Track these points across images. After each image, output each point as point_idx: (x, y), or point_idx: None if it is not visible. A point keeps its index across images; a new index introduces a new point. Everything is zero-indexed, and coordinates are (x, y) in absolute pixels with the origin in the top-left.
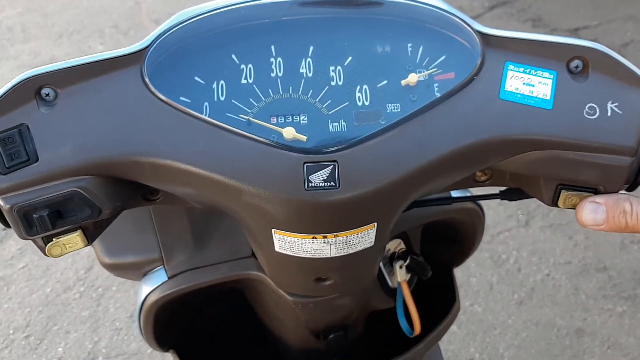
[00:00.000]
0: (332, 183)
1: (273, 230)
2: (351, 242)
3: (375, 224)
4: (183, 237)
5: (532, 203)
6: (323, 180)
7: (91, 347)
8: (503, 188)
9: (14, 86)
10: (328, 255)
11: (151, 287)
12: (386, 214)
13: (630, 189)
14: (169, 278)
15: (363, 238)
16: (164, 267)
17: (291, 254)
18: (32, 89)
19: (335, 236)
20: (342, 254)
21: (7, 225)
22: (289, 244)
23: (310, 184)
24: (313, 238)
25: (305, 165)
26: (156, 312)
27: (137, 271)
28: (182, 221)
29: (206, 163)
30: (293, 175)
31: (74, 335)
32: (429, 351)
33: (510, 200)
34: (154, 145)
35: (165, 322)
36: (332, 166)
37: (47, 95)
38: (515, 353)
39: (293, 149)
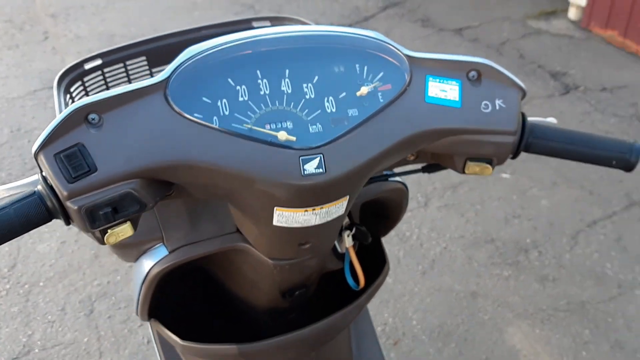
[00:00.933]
0: (321, 169)
1: (275, 208)
2: (330, 212)
3: (348, 196)
4: (179, 219)
5: (429, 187)
6: (314, 168)
7: (25, 340)
8: (425, 164)
9: (68, 114)
10: (312, 224)
11: (153, 261)
12: (354, 188)
13: (514, 157)
14: (169, 252)
15: (338, 208)
16: (163, 244)
17: (286, 225)
18: (81, 116)
19: (320, 208)
20: (322, 222)
21: (67, 223)
22: (286, 217)
23: (305, 172)
24: (305, 211)
25: (300, 158)
26: (157, 282)
27: (137, 249)
28: (178, 206)
29: (227, 162)
30: (292, 166)
31: (6, 331)
32: (360, 317)
33: (430, 172)
34: (183, 151)
35: (153, 293)
36: (319, 157)
37: (94, 119)
38: (422, 316)
39: (290, 147)
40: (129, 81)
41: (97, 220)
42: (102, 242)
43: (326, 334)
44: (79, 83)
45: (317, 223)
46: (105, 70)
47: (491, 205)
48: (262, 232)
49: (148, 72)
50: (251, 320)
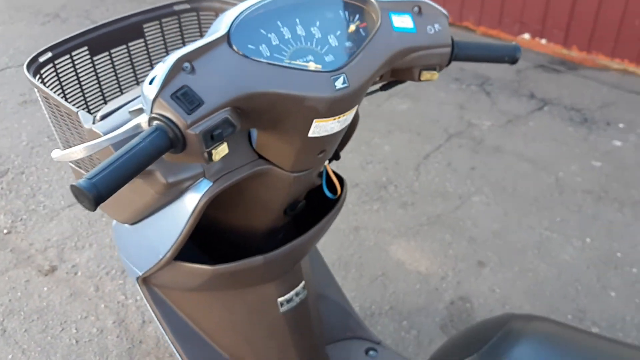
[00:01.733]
0: (346, 84)
1: (315, 120)
2: (346, 119)
3: (357, 106)
4: None
5: None
6: (341, 84)
7: None
8: (384, 83)
9: (172, 65)
10: (335, 130)
11: (200, 193)
12: (360, 98)
13: (447, 65)
14: (213, 183)
15: (349, 116)
16: (205, 178)
17: (317, 135)
18: (179, 65)
19: (343, 116)
20: (340, 128)
21: (183, 149)
22: (319, 127)
23: (336, 87)
24: (333, 120)
25: (332, 77)
26: (204, 211)
27: (180, 187)
28: None
29: (284, 88)
30: (328, 85)
31: None
32: (312, 255)
33: (389, 88)
34: (255, 84)
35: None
36: (343, 76)
37: (186, 67)
38: (323, 254)
39: (323, 72)
40: (76, 71)
41: (209, 141)
42: (209, 161)
43: (310, 243)
44: (46, 67)
45: (337, 130)
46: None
47: (347, 157)
48: (293, 147)
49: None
50: (247, 246)
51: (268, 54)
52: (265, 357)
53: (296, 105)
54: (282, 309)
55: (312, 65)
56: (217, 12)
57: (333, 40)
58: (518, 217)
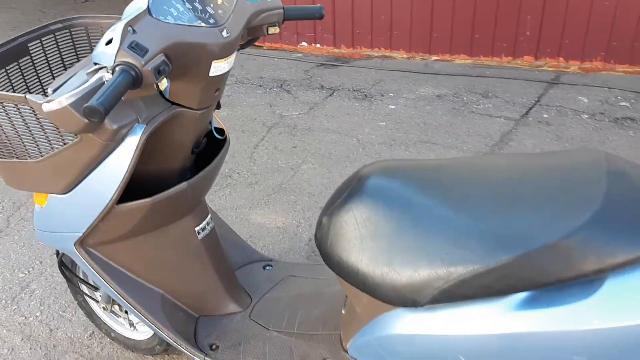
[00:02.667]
0: (229, 34)
1: (213, 61)
2: (231, 62)
3: (235, 52)
4: (140, 105)
5: None
6: (226, 34)
7: None
8: (243, 43)
9: (123, 29)
10: (225, 70)
11: (138, 135)
12: (236, 46)
13: (282, 23)
14: (146, 125)
15: (232, 59)
16: (139, 123)
17: (215, 74)
18: (126, 29)
19: (229, 58)
20: (228, 68)
21: (140, 85)
22: (216, 67)
23: (223, 36)
24: (224, 61)
25: (219, 30)
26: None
27: (119, 134)
28: (137, 98)
29: (195, 39)
30: (219, 35)
31: None
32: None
33: (249, 45)
34: (174, 36)
35: None
36: (226, 28)
37: (130, 29)
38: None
39: (213, 27)
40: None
41: (157, 75)
42: (157, 90)
43: (213, 174)
44: None
45: (227, 69)
46: None
47: None
48: (199, 87)
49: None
50: (163, 188)
51: (175, 19)
52: (192, 282)
53: (201, 50)
54: (200, 236)
55: (204, 25)
56: (87, 27)
57: (210, 9)
58: (339, 171)
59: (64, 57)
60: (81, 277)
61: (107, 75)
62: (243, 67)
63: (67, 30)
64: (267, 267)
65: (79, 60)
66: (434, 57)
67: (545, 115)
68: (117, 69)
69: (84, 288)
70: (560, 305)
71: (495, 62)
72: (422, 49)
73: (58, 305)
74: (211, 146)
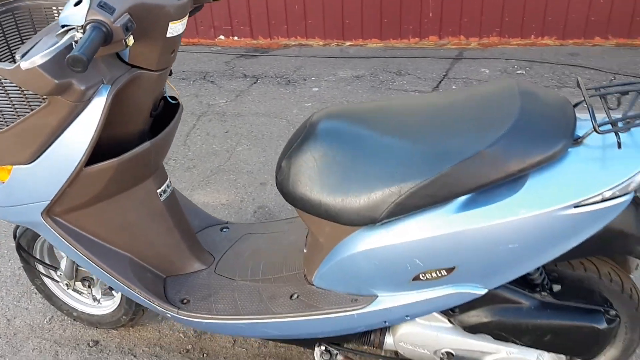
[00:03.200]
0: None
1: (170, 22)
2: (184, 23)
3: (187, 14)
4: (104, 68)
5: None
6: None
7: None
8: None
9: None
10: (180, 31)
11: (104, 95)
12: (189, 9)
13: None
14: (112, 84)
15: (185, 20)
16: (104, 84)
17: (171, 35)
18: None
19: (183, 19)
20: (182, 29)
21: (111, 40)
22: (172, 28)
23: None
24: (179, 22)
25: None
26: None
27: (87, 95)
28: (101, 61)
29: (149, 0)
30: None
31: None
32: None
33: (195, 13)
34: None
35: None
36: None
37: None
38: None
39: None
40: None
41: (125, 32)
42: (125, 47)
43: (170, 136)
44: None
45: (181, 31)
46: None
47: None
48: (157, 48)
49: None
50: (123, 148)
51: None
52: (158, 244)
53: (159, 11)
54: (162, 198)
55: None
56: (31, 10)
57: None
58: (273, 149)
59: (8, 40)
60: (38, 257)
61: (77, 35)
62: None
63: (11, 14)
64: (224, 229)
65: (23, 43)
66: (348, 43)
67: (453, 87)
68: (88, 26)
69: (42, 269)
70: (493, 202)
71: (403, 43)
72: (337, 36)
73: (11, 297)
74: (166, 113)
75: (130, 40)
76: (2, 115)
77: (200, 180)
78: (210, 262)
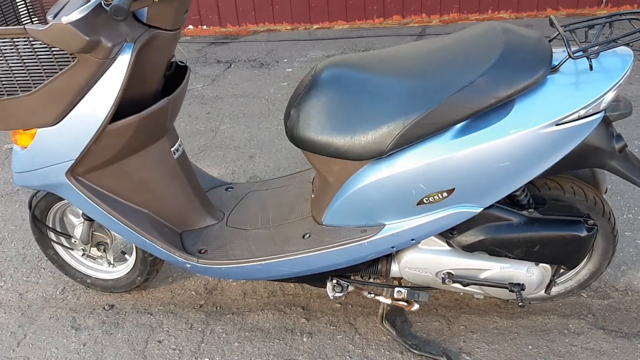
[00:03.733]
0: None
1: None
2: None
3: None
4: (125, 29)
5: None
6: None
7: None
8: None
9: None
10: None
11: (129, 53)
12: None
13: None
14: (134, 43)
15: None
16: (127, 42)
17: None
18: None
19: None
20: None
21: (127, 15)
22: None
23: None
24: None
25: None
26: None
27: (112, 51)
28: (124, 24)
29: None
30: None
31: None
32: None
33: None
34: None
35: None
36: None
37: None
38: None
39: None
40: None
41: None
42: (152, 2)
43: (181, 96)
44: None
45: None
46: None
47: None
48: (172, 8)
49: None
50: (140, 107)
51: None
52: (172, 200)
53: None
54: (175, 157)
55: None
56: None
57: None
58: (256, 126)
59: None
60: (51, 226)
61: None
62: None
63: None
64: (229, 189)
65: (28, 12)
66: (315, 26)
67: None
68: None
69: (54, 236)
70: (485, 126)
71: (369, 24)
72: (304, 19)
73: (20, 274)
74: (175, 76)
75: (140, 4)
76: (31, 77)
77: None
78: (221, 217)
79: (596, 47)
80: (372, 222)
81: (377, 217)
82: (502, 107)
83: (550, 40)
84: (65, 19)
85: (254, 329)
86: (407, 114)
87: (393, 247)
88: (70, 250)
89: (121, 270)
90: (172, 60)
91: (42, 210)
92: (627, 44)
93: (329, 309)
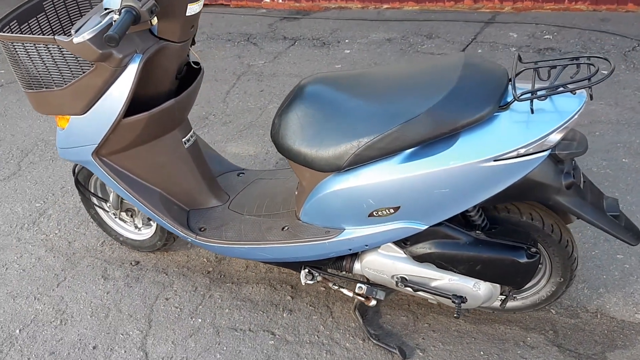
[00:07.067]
0: None
1: (188, 4)
2: (200, 5)
3: None
4: (137, 38)
5: None
6: None
7: None
8: None
9: None
10: (197, 11)
11: (137, 62)
12: None
13: None
14: (142, 53)
15: (201, 3)
16: (137, 52)
17: (190, 14)
18: None
19: (199, 1)
20: (199, 9)
21: (138, 22)
22: (190, 9)
23: None
24: (195, 4)
25: None
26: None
27: (125, 60)
28: (133, 33)
29: None
30: None
31: None
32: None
33: None
34: None
35: None
36: None
37: None
38: None
39: None
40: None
41: (151, 14)
42: (151, 25)
43: (193, 95)
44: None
45: (198, 10)
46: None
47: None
48: (179, 24)
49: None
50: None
51: None
52: (182, 182)
53: None
54: (186, 146)
55: None
56: None
57: None
58: None
59: (70, 12)
60: (92, 191)
61: (115, 16)
62: (213, 24)
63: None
64: (240, 174)
65: (81, 17)
66: (385, 6)
67: (479, 50)
68: (122, 10)
69: (95, 200)
70: (430, 155)
71: (439, 6)
72: None
73: (73, 224)
74: (190, 76)
75: (154, 20)
76: (62, 76)
77: (234, 134)
78: (226, 200)
79: (543, 91)
80: (335, 225)
81: (338, 222)
82: (447, 138)
83: (516, 75)
84: (82, 36)
85: (246, 299)
86: (362, 136)
87: (350, 250)
88: (106, 212)
89: (146, 233)
90: (185, 63)
91: (84, 176)
92: (581, 88)
93: (315, 291)
